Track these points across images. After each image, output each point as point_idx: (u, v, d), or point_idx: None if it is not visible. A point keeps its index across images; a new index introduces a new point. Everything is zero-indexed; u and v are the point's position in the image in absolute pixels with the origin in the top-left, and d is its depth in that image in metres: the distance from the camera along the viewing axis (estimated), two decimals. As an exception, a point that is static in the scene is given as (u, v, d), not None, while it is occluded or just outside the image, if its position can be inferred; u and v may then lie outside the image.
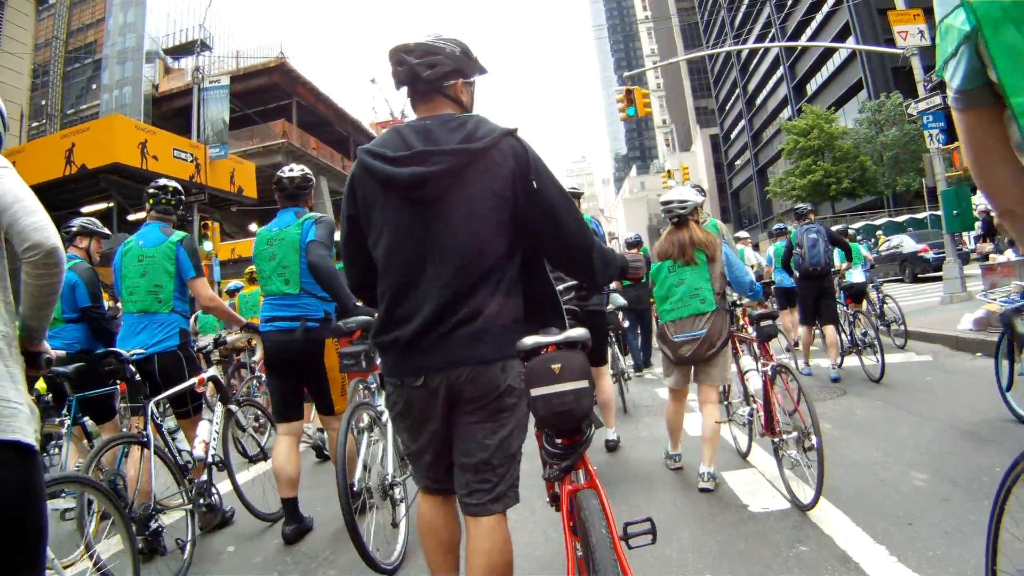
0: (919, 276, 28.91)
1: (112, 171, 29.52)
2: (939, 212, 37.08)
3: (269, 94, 50.97)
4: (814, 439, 5.21)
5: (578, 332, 2.80)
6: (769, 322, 6.20)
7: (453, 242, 2.95)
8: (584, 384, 2.69)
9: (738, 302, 6.81)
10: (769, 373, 5.96)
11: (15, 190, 2.47)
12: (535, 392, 2.69)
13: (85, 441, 6.53)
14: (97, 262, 7.08)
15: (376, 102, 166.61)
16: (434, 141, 2.99)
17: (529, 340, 2.79)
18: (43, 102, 57.39)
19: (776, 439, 5.83)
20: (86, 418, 6.58)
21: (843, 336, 11.50)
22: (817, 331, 12.21)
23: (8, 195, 2.44)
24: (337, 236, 5.24)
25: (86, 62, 64.89)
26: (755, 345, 6.50)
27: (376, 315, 3.24)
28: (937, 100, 18.90)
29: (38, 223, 2.44)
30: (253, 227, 50.30)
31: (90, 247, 7.02)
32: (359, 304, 5.48)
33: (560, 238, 3.13)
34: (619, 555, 2.43)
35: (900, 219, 42.32)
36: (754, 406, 6.29)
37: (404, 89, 3.20)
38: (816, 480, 5.12)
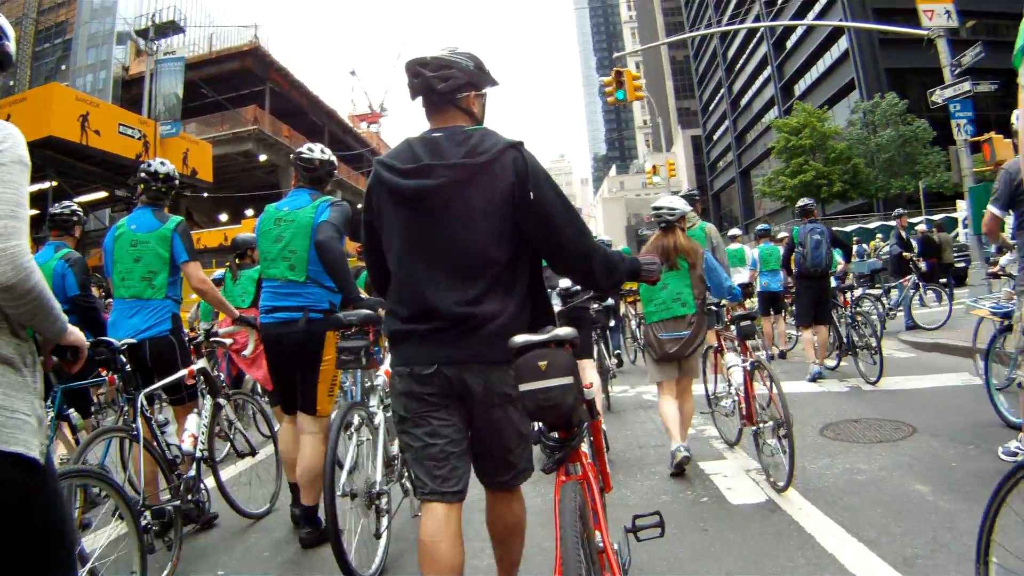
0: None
1: (46, 146, 26.27)
2: (935, 217, 36.78)
3: (242, 79, 49.87)
4: (784, 428, 5.85)
5: (564, 331, 2.88)
6: (748, 322, 6.75)
7: (455, 250, 3.18)
8: (568, 380, 2.78)
9: (721, 303, 7.19)
10: (748, 368, 6.59)
11: None
12: (523, 387, 2.80)
13: (69, 434, 6.55)
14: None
15: (355, 94, 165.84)
16: (439, 155, 3.20)
17: (519, 339, 2.86)
18: (11, 83, 55.76)
19: (755, 428, 6.42)
20: (71, 410, 6.54)
21: (839, 337, 11.52)
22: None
23: None
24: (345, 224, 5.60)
25: (56, 42, 64.20)
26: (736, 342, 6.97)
27: (385, 310, 3.56)
28: (966, 87, 17.33)
29: None
30: (223, 217, 49.18)
31: (79, 233, 7.21)
32: (363, 296, 5.55)
33: (560, 247, 3.30)
34: (605, 543, 2.90)
35: (894, 223, 40.78)
36: (736, 398, 6.90)
37: (414, 98, 3.44)
38: (788, 464, 5.73)
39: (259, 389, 9.72)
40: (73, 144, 27.69)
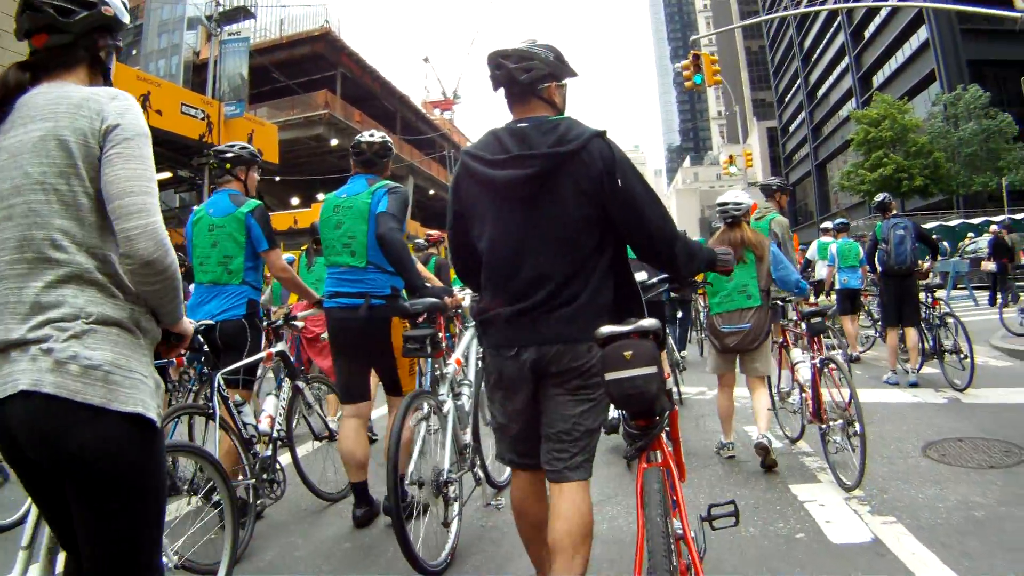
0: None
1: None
2: (1018, 216, 35.68)
3: (313, 64, 50.08)
4: (858, 426, 5.78)
5: (649, 322, 3.02)
6: (818, 319, 6.66)
7: (547, 236, 3.34)
8: (652, 370, 2.90)
9: (787, 298, 7.45)
10: (818, 365, 6.45)
11: (123, 181, 2.34)
12: (608, 376, 2.94)
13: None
14: None
15: (428, 81, 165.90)
16: (528, 145, 3.35)
17: (605, 328, 3.01)
18: (133, 51, 56.49)
19: (823, 426, 6.30)
20: None
21: (924, 340, 10.84)
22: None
23: (114, 186, 2.34)
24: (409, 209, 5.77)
25: (128, 27, 64.21)
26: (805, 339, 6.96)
27: (460, 299, 4.60)
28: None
29: (135, 229, 2.31)
30: (295, 200, 49.38)
31: None
32: (427, 285, 5.66)
33: (645, 232, 3.41)
34: (684, 530, 2.98)
35: (976, 220, 39.61)
36: (803, 395, 6.81)
37: (501, 90, 3.55)
38: (859, 462, 5.73)
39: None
40: (134, 125, 27.46)
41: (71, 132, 2.33)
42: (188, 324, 2.73)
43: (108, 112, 2.38)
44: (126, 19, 2.68)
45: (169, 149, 31.09)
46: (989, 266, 20.72)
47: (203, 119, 30.81)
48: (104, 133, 2.35)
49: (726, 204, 7.01)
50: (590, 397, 3.33)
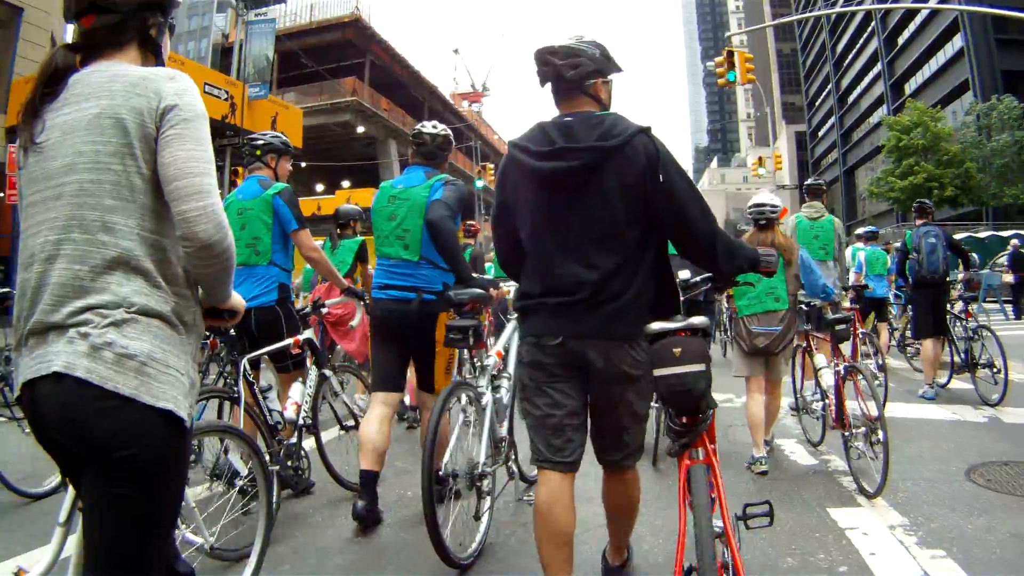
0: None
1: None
2: None
3: (342, 51, 50.18)
4: (881, 433, 5.79)
5: (699, 320, 3.20)
6: (843, 326, 6.73)
7: (591, 228, 3.41)
8: (701, 367, 3.03)
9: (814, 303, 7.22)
10: (842, 372, 6.53)
11: (181, 162, 2.31)
12: (657, 372, 3.08)
13: None
14: None
15: (458, 73, 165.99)
16: (574, 138, 3.41)
17: (655, 325, 3.20)
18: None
19: (846, 432, 6.35)
20: None
21: (956, 353, 10.47)
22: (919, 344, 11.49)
23: (171, 167, 2.31)
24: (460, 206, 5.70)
25: (179, 4, 64.50)
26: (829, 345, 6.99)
27: (516, 288, 3.93)
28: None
29: (194, 211, 2.28)
30: (319, 187, 49.38)
31: None
32: (475, 276, 5.62)
33: (687, 227, 3.48)
34: (726, 527, 2.97)
35: (1006, 233, 39.15)
36: (827, 401, 6.84)
37: (548, 85, 3.65)
38: (882, 471, 5.71)
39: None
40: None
41: (127, 111, 2.29)
42: (239, 300, 2.73)
43: (166, 92, 2.34)
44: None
45: (191, 130, 30.48)
46: (1008, 278, 21.37)
47: (227, 100, 30.41)
48: (162, 113, 2.32)
49: (763, 205, 7.01)
50: (638, 387, 3.47)
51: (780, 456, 7.19)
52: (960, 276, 10.95)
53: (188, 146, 2.32)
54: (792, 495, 6.06)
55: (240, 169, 29.44)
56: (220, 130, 30.26)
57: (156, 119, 2.31)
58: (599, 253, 3.38)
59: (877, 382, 8.61)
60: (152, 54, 2.59)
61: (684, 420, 3.13)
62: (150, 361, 2.23)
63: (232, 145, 29.74)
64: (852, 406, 6.43)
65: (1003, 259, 27.56)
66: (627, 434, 3.56)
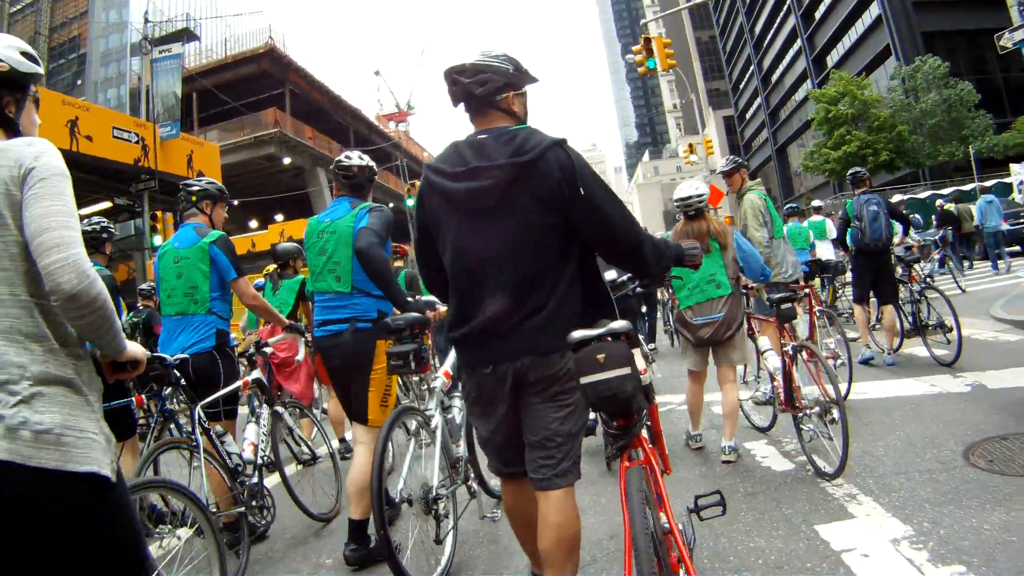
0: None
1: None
2: (988, 183, 35.63)
3: (260, 83, 49.91)
4: (836, 412, 5.66)
5: (619, 324, 3.07)
6: (788, 305, 6.51)
7: (508, 247, 3.32)
8: (627, 370, 2.97)
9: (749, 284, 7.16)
10: (790, 352, 6.37)
11: (39, 218, 2.34)
12: (584, 380, 3.00)
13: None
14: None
15: (381, 94, 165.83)
16: (486, 156, 3.34)
17: (576, 333, 3.06)
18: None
19: (799, 414, 6.17)
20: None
21: (903, 318, 10.56)
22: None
23: (32, 225, 2.34)
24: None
25: (70, 57, 64.58)
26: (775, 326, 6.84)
27: (443, 312, 4.11)
28: (1043, 26, 15.33)
29: (55, 263, 2.28)
30: (253, 223, 48.80)
31: (111, 250, 7.36)
32: (410, 300, 5.50)
33: (611, 237, 3.42)
34: (671, 525, 3.03)
35: (945, 191, 39.35)
36: (774, 384, 6.73)
37: (460, 105, 3.59)
38: (841, 450, 5.53)
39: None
40: (62, 151, 26.37)
41: None
42: (136, 349, 2.70)
43: (25, 158, 2.37)
44: (30, 68, 2.65)
45: (103, 176, 29.86)
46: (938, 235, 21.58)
47: (137, 142, 29.63)
48: (22, 178, 2.35)
49: (688, 198, 6.97)
50: (568, 402, 3.36)
51: (752, 463, 6.50)
52: (903, 240, 11.32)
53: (46, 203, 2.33)
54: (772, 513, 5.22)
55: (159, 213, 29.02)
56: (134, 174, 29.50)
57: (19, 185, 2.34)
58: (519, 271, 3.33)
59: (840, 361, 8.48)
60: (12, 130, 2.57)
61: (618, 423, 3.14)
62: (66, 431, 2.24)
63: (149, 189, 29.14)
64: (808, 389, 6.21)
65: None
66: (559, 450, 3.37)
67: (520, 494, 3.64)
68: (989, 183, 36.27)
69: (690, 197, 6.92)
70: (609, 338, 3.03)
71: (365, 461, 5.33)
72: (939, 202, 25.39)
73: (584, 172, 3.33)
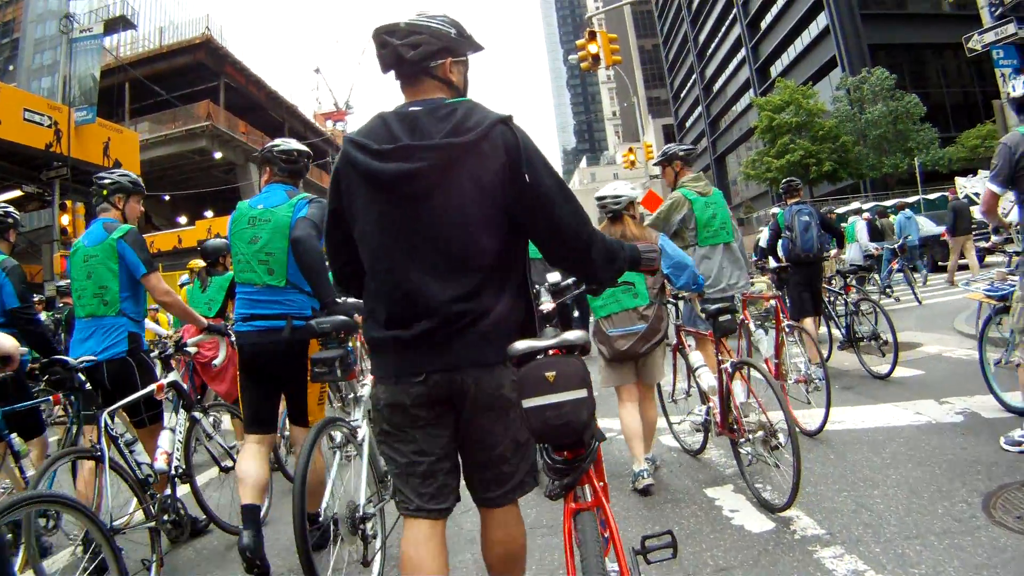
0: (940, 264, 25.29)
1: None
2: (932, 196, 35.78)
3: (195, 74, 48.34)
4: (781, 437, 5.22)
5: (575, 335, 2.62)
6: (727, 316, 6.01)
7: (443, 240, 2.88)
8: (583, 393, 2.49)
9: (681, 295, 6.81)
10: (729, 369, 5.86)
11: None
12: (527, 404, 2.50)
13: (11, 461, 5.89)
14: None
15: (320, 92, 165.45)
16: (420, 133, 2.90)
17: (520, 344, 2.60)
18: None
19: (740, 439, 5.66)
20: (13, 435, 5.91)
21: (835, 330, 10.77)
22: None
23: None
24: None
25: (3, 42, 62.98)
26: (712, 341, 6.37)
27: (361, 314, 3.56)
28: (1011, 29, 14.97)
29: None
30: (182, 219, 48.01)
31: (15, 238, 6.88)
32: (339, 301, 5.10)
33: (557, 233, 2.99)
34: (622, 569, 2.52)
35: (888, 203, 39.45)
36: (709, 404, 6.29)
37: (386, 76, 3.19)
38: (792, 479, 4.96)
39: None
40: (-37, 136, 24.99)
41: None
42: (6, 344, 2.65)
43: None
44: None
45: (13, 162, 28.62)
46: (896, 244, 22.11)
47: (50, 126, 28.25)
48: None
49: (604, 198, 6.49)
50: (514, 414, 2.92)
51: (719, 521, 5.18)
52: (833, 254, 11.63)
53: None
54: (743, 570, 4.22)
55: (68, 203, 28.13)
56: (45, 160, 28.59)
57: None
58: (457, 269, 2.88)
59: (812, 385, 7.51)
60: None
61: (565, 455, 2.64)
62: None
63: (60, 177, 28.07)
64: (753, 414, 5.64)
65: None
66: (508, 465, 2.99)
67: (430, 543, 3.01)
68: (933, 196, 36.63)
69: (605, 197, 6.49)
70: (561, 351, 2.58)
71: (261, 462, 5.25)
72: (866, 215, 24.57)
73: (532, 155, 2.89)
